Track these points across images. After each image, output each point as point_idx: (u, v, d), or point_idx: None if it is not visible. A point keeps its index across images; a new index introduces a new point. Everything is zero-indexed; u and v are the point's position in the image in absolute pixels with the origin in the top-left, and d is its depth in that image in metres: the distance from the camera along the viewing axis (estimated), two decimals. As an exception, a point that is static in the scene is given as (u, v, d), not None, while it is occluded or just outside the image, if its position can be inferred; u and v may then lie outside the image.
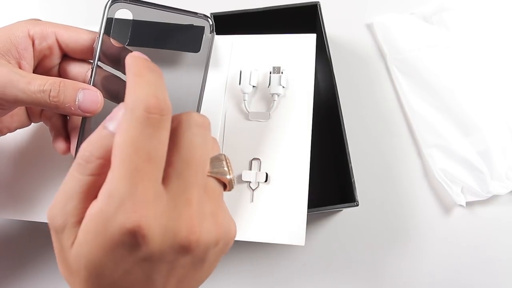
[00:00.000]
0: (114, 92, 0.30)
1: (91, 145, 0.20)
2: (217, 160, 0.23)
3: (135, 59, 0.20)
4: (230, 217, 0.23)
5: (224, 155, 0.23)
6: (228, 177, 0.23)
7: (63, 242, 0.20)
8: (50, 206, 0.20)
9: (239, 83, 0.37)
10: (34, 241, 0.43)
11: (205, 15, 0.30)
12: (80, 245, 0.19)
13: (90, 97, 0.28)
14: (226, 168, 0.23)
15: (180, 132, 0.20)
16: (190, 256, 0.20)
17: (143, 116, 0.18)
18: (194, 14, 0.30)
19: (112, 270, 0.19)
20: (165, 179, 0.19)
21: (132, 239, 0.18)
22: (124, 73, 0.30)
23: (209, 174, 0.22)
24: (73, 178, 0.20)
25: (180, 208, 0.19)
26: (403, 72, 0.49)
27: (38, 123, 0.37)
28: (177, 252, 0.19)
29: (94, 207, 0.18)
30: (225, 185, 0.24)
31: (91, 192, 0.19)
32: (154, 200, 0.18)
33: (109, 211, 0.18)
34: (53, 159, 0.36)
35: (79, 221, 0.19)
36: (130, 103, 0.18)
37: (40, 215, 0.35)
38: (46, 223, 0.35)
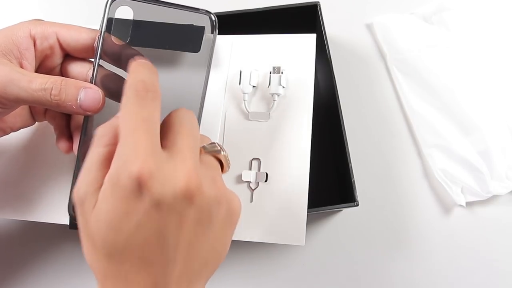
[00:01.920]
0: (116, 91, 0.30)
1: (104, 126, 0.23)
2: (210, 144, 0.26)
3: (134, 63, 0.24)
4: (231, 191, 0.25)
5: (216, 142, 0.26)
6: (222, 153, 0.26)
7: (85, 210, 0.22)
8: (76, 184, 0.22)
9: (239, 83, 0.37)
10: (35, 241, 0.44)
11: (207, 11, 0.30)
12: (99, 204, 0.21)
13: (92, 95, 0.28)
14: (218, 148, 0.26)
15: (172, 117, 0.24)
16: (194, 208, 0.22)
17: (133, 94, 0.22)
18: (196, 10, 0.30)
19: (126, 222, 0.20)
20: (165, 147, 0.23)
21: (138, 185, 0.20)
22: (126, 71, 0.30)
23: (203, 153, 0.25)
24: (91, 152, 0.23)
25: (178, 162, 0.22)
26: (403, 72, 0.49)
27: (40, 123, 0.37)
28: (181, 199, 0.21)
29: (109, 170, 0.21)
30: (222, 165, 0.26)
31: (108, 161, 0.22)
32: (153, 152, 0.21)
33: (119, 167, 0.21)
34: (54, 159, 0.36)
35: (99, 187, 0.21)
36: (125, 87, 0.23)
37: (41, 215, 0.35)
38: (46, 223, 0.35)
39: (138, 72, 0.24)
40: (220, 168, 0.26)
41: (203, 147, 0.26)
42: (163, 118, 0.25)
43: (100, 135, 0.23)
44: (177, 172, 0.21)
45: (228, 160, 0.27)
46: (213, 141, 0.27)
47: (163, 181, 0.21)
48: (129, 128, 0.21)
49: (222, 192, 0.24)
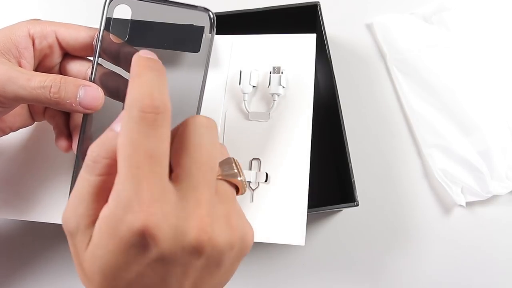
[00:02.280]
0: (115, 89, 0.30)
1: (98, 146, 0.20)
2: (226, 163, 0.23)
3: (137, 59, 0.20)
4: (247, 221, 0.23)
5: (233, 158, 0.23)
6: (239, 178, 0.23)
7: (77, 245, 0.20)
8: (64, 210, 0.20)
9: (239, 83, 0.37)
10: (35, 241, 0.43)
11: (205, 8, 0.30)
12: (93, 248, 0.19)
13: (91, 93, 0.28)
14: (236, 170, 0.23)
15: (188, 134, 0.20)
16: (204, 258, 0.20)
17: (138, 115, 0.18)
18: (194, 7, 0.30)
19: (126, 272, 0.19)
20: (175, 180, 0.20)
21: (142, 240, 0.18)
22: (125, 70, 0.30)
23: (219, 177, 0.22)
24: (83, 180, 0.20)
25: (190, 208, 0.19)
26: (403, 72, 0.49)
27: (40, 124, 0.37)
28: (189, 253, 0.19)
29: (105, 210, 0.19)
30: (237, 189, 0.23)
31: (102, 192, 0.19)
32: (160, 198, 0.18)
33: (118, 212, 0.18)
34: (54, 159, 0.36)
35: (92, 223, 0.19)
36: (127, 104, 0.19)
37: (41, 215, 0.35)
38: (46, 223, 0.35)
39: (145, 79, 0.19)
40: (236, 193, 0.23)
41: (219, 167, 0.22)
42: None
43: (93, 159, 0.20)
44: (189, 221, 0.19)
45: (245, 184, 0.24)
46: (229, 156, 0.24)
47: (171, 236, 0.18)
48: (131, 164, 0.18)
49: (235, 233, 0.21)
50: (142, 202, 0.18)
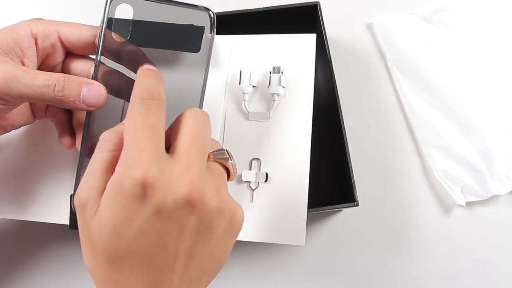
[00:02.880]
0: (117, 87, 0.31)
1: (109, 131, 0.24)
2: (218, 150, 0.26)
3: (140, 70, 0.26)
4: (236, 202, 0.25)
5: (225, 148, 0.26)
6: (230, 161, 0.26)
7: (86, 215, 0.22)
8: (77, 189, 0.23)
9: (239, 83, 0.37)
10: (35, 241, 0.43)
11: (205, 8, 0.30)
12: (101, 210, 0.21)
13: (94, 91, 0.28)
14: (227, 155, 0.26)
15: (183, 119, 0.24)
16: (195, 217, 0.22)
17: (139, 101, 0.23)
18: (195, 6, 0.30)
19: (128, 230, 0.21)
20: (171, 151, 0.23)
21: (141, 190, 0.20)
22: (127, 68, 0.31)
23: (211, 159, 0.25)
24: (94, 158, 0.23)
25: (182, 169, 0.22)
26: (403, 72, 0.49)
27: (41, 122, 0.37)
28: (182, 207, 0.21)
29: (112, 176, 0.21)
30: (228, 173, 0.26)
31: (112, 167, 0.22)
32: (157, 158, 0.21)
33: (123, 172, 0.21)
34: (55, 159, 0.36)
35: (101, 193, 0.21)
36: (132, 96, 0.23)
37: (41, 215, 0.35)
38: (46, 223, 0.35)
39: (145, 80, 0.24)
40: (227, 176, 0.26)
41: (211, 153, 0.25)
42: (167, 121, 0.25)
43: (104, 140, 0.23)
44: (181, 179, 0.21)
45: (235, 168, 0.27)
46: (222, 147, 0.26)
47: (165, 188, 0.21)
48: (133, 133, 0.22)
49: (225, 203, 0.23)
50: (143, 159, 0.21)
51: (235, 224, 0.24)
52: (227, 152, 0.26)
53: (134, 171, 0.20)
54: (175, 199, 0.21)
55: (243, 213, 0.25)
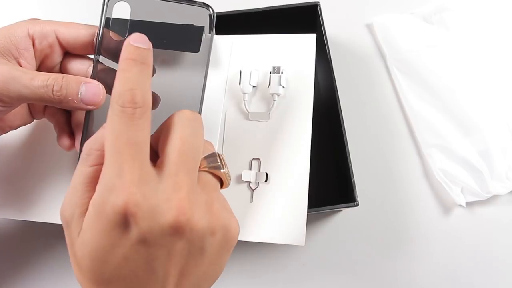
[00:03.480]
0: None
1: (91, 141, 0.22)
2: (210, 156, 0.24)
3: (126, 48, 0.22)
4: (230, 213, 0.24)
5: (218, 153, 0.25)
6: (222, 170, 0.24)
7: (71, 234, 0.21)
8: (62, 203, 0.22)
9: (239, 83, 0.37)
10: (35, 241, 0.43)
11: (204, 4, 0.30)
12: (83, 232, 0.20)
13: (92, 90, 0.28)
14: (219, 163, 0.24)
15: (172, 125, 0.22)
16: (184, 241, 0.20)
17: (119, 109, 0.20)
18: (194, 3, 0.30)
19: (112, 256, 0.20)
20: (158, 167, 0.21)
21: (123, 218, 0.19)
22: None
23: (203, 169, 0.24)
24: (77, 172, 0.22)
25: (169, 192, 0.20)
26: (403, 72, 0.49)
27: (40, 122, 0.37)
28: (169, 234, 0.20)
29: (94, 196, 0.20)
30: (222, 182, 0.25)
31: (94, 182, 0.21)
32: (141, 181, 0.19)
33: (103, 195, 0.19)
34: (54, 159, 0.36)
35: (85, 211, 0.21)
36: (111, 99, 0.21)
37: (41, 215, 0.35)
38: (46, 223, 0.35)
39: (127, 76, 0.21)
40: (220, 185, 0.25)
41: (203, 159, 0.24)
42: (161, 121, 0.24)
43: (86, 152, 0.22)
44: (167, 203, 0.20)
45: (229, 177, 0.25)
46: (214, 151, 0.25)
47: (149, 216, 0.19)
48: (114, 151, 0.20)
49: (217, 220, 0.22)
50: (124, 183, 0.19)
51: (229, 239, 0.23)
52: (220, 157, 0.24)
53: (114, 196, 0.19)
54: (161, 226, 0.20)
55: (237, 225, 0.24)
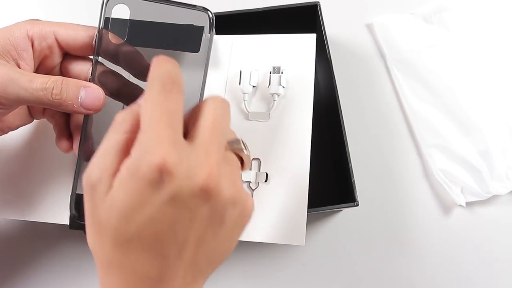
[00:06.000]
0: (116, 89, 0.30)
1: (124, 112, 0.23)
2: (235, 140, 0.26)
3: (158, 57, 0.24)
4: (247, 192, 0.25)
5: (241, 139, 0.26)
6: (245, 152, 0.26)
7: (96, 196, 0.21)
8: (87, 168, 0.22)
9: (239, 83, 0.37)
10: (35, 241, 0.43)
11: (204, 8, 0.30)
12: (114, 192, 0.20)
13: (92, 94, 0.28)
14: (243, 146, 0.26)
15: (205, 105, 0.23)
16: (209, 206, 0.21)
17: (159, 85, 0.22)
18: (193, 7, 0.30)
19: (139, 214, 0.20)
20: (189, 138, 0.22)
21: (159, 175, 0.20)
22: (125, 69, 0.30)
23: (228, 149, 0.25)
24: (109, 138, 0.22)
25: (201, 158, 0.21)
26: (403, 72, 0.49)
27: (40, 122, 0.37)
28: (197, 195, 0.21)
29: (128, 160, 0.21)
30: (242, 162, 0.26)
31: (126, 149, 0.21)
32: (176, 144, 0.20)
33: (140, 156, 0.20)
34: (54, 159, 0.36)
35: (114, 175, 0.21)
36: (150, 78, 0.22)
37: (41, 215, 0.35)
38: (47, 223, 0.35)
39: (163, 64, 0.23)
40: (241, 166, 0.26)
41: (228, 142, 0.25)
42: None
43: (120, 121, 0.22)
44: (199, 167, 0.21)
45: (250, 159, 0.26)
46: (237, 137, 0.26)
47: (183, 175, 0.20)
48: (153, 117, 0.21)
49: (239, 193, 0.23)
50: (162, 144, 0.20)
51: (246, 214, 0.24)
52: (243, 143, 0.26)
53: (152, 155, 0.20)
54: (191, 187, 0.20)
55: (253, 204, 0.25)
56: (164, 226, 0.21)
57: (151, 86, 0.22)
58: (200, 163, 0.21)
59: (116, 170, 0.21)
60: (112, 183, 0.21)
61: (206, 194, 0.21)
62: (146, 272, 0.21)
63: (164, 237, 0.21)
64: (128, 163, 0.20)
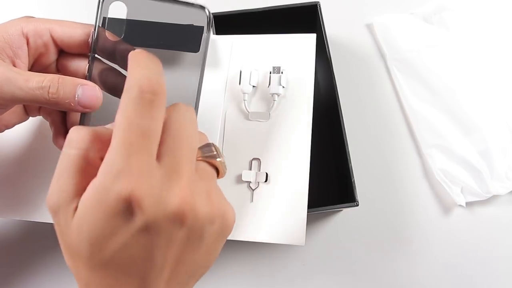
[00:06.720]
0: (112, 86, 0.30)
1: (78, 127, 0.22)
2: (205, 146, 0.25)
3: (134, 53, 0.22)
4: (226, 202, 0.24)
5: (212, 143, 0.25)
6: (218, 159, 0.24)
7: (61, 220, 0.20)
8: (48, 191, 0.21)
9: (239, 83, 0.37)
10: (34, 241, 0.43)
11: (201, 6, 0.29)
12: (80, 216, 0.20)
13: (89, 92, 0.28)
14: (215, 152, 0.24)
15: (169, 116, 0.22)
16: (186, 229, 0.21)
17: (137, 95, 0.20)
18: (191, 5, 0.29)
19: (112, 242, 0.19)
20: (158, 157, 0.21)
21: (128, 207, 0.19)
22: (121, 67, 0.30)
23: (199, 158, 0.24)
24: (63, 156, 0.21)
25: (172, 181, 0.20)
26: (403, 72, 0.49)
27: (38, 122, 0.37)
28: (172, 221, 0.20)
29: (94, 181, 0.20)
30: (217, 171, 0.25)
31: (84, 167, 0.20)
32: (147, 172, 0.19)
33: (107, 182, 0.19)
34: (53, 157, 0.36)
35: (74, 196, 0.20)
36: (127, 85, 0.20)
37: (41, 215, 0.35)
38: (46, 223, 0.35)
39: (142, 66, 0.21)
40: (216, 174, 0.25)
41: (199, 149, 0.24)
42: None
43: (73, 137, 0.21)
44: (171, 191, 0.20)
45: (225, 166, 0.25)
46: (209, 142, 0.25)
47: (155, 204, 0.19)
48: (124, 140, 0.19)
49: (216, 208, 0.22)
50: (131, 173, 0.19)
51: (226, 227, 0.23)
52: (215, 147, 0.25)
53: (121, 184, 0.19)
54: (165, 214, 0.20)
55: (234, 213, 0.24)
56: (140, 251, 0.20)
57: (127, 96, 0.20)
58: (171, 187, 0.20)
59: (77, 190, 0.20)
60: (75, 204, 0.20)
61: (181, 219, 0.20)
62: None
63: (141, 261, 0.20)
64: (95, 186, 0.19)
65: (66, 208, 0.20)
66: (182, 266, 0.22)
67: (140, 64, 0.21)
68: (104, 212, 0.19)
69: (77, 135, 0.21)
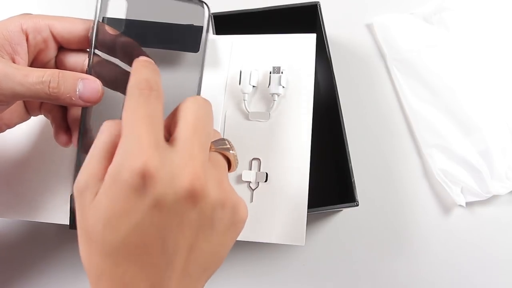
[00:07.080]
0: (112, 80, 0.30)
1: (111, 119, 0.23)
2: (219, 140, 0.25)
3: (136, 61, 0.24)
4: (239, 196, 0.24)
5: (226, 138, 0.26)
6: (231, 152, 0.25)
7: (84, 202, 0.21)
8: (77, 175, 0.22)
9: (239, 83, 0.37)
10: (35, 241, 0.43)
11: (200, 1, 0.29)
12: (99, 197, 0.20)
13: (90, 86, 0.28)
14: (228, 146, 0.25)
15: (186, 105, 0.23)
16: (197, 210, 0.21)
17: (136, 92, 0.22)
18: (189, 0, 0.30)
19: (125, 221, 0.20)
20: (171, 141, 0.22)
21: (140, 181, 0.19)
22: (122, 61, 0.30)
23: (213, 149, 0.25)
24: (95, 143, 0.22)
25: (184, 160, 0.21)
26: (403, 72, 0.49)
27: (39, 121, 0.36)
28: (184, 199, 0.20)
29: (111, 164, 0.20)
30: (229, 164, 0.25)
31: (111, 151, 0.21)
32: (157, 146, 0.20)
33: (121, 160, 0.20)
34: (54, 158, 0.36)
35: (99, 179, 0.21)
36: (128, 87, 0.22)
37: (42, 215, 0.35)
38: (48, 223, 0.35)
39: (142, 71, 0.23)
40: (228, 167, 0.25)
41: (213, 142, 0.25)
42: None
43: (105, 126, 0.22)
44: (183, 169, 0.20)
45: (237, 159, 0.26)
46: (222, 137, 0.26)
47: (166, 179, 0.20)
48: (131, 122, 0.21)
49: (227, 195, 0.23)
50: (142, 148, 0.20)
51: (237, 221, 0.23)
52: (228, 142, 0.25)
53: (133, 160, 0.19)
54: (176, 191, 0.20)
55: (246, 207, 0.24)
56: (152, 234, 0.20)
57: (129, 94, 0.22)
58: (184, 165, 0.20)
59: (102, 174, 0.21)
60: (98, 187, 0.20)
61: (192, 197, 0.20)
62: (137, 283, 0.20)
63: (152, 246, 0.20)
64: (110, 169, 0.20)
65: (91, 190, 0.21)
66: (193, 255, 0.22)
67: (140, 70, 0.23)
68: (118, 191, 0.20)
69: (108, 124, 0.22)
